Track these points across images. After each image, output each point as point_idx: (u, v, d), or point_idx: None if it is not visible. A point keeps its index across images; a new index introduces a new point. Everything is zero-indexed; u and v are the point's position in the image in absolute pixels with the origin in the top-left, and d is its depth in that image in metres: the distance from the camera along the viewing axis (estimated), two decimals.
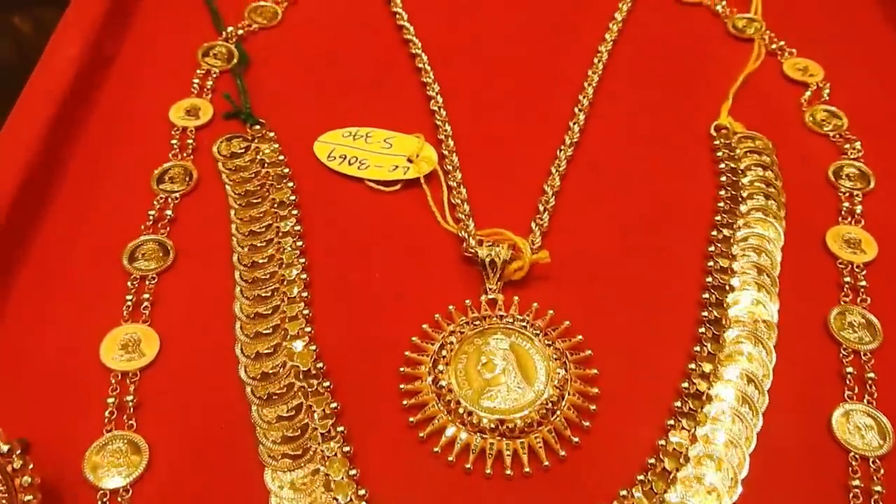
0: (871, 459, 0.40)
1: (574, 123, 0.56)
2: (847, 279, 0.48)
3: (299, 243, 0.48)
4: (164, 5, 0.64)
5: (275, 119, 0.56)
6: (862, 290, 0.47)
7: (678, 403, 0.42)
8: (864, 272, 0.48)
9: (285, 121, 0.56)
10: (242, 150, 0.54)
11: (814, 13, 0.66)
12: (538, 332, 0.44)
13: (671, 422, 0.41)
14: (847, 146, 0.55)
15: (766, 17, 0.65)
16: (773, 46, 0.63)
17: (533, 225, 0.50)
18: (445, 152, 0.54)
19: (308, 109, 0.57)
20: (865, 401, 0.42)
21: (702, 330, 0.45)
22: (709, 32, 0.65)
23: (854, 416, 0.42)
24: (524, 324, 0.44)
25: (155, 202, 0.50)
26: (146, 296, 0.46)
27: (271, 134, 0.55)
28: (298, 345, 0.43)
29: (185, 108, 0.56)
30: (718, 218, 0.51)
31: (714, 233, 0.50)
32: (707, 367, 0.43)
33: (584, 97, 0.58)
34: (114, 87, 0.58)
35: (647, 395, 0.43)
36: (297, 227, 0.49)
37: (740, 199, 0.52)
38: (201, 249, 0.49)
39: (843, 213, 0.52)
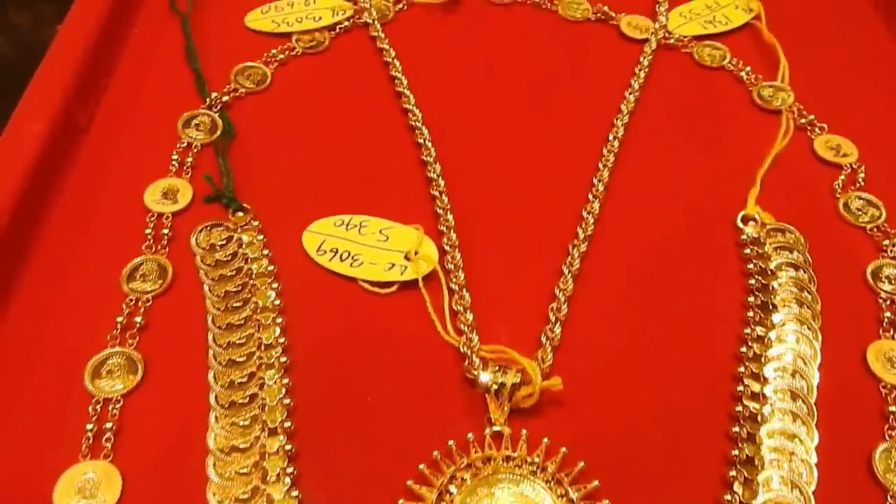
0: None
1: (588, 213, 0.51)
2: (893, 408, 0.43)
3: (283, 359, 0.43)
4: (142, 69, 0.59)
5: (260, 201, 0.51)
6: None
7: None
8: None
9: (272, 204, 0.51)
10: (224, 242, 0.49)
11: (846, 83, 0.61)
12: (549, 479, 0.39)
13: None
14: (886, 242, 0.51)
15: (795, 85, 0.61)
16: (803, 121, 0.58)
17: (543, 339, 0.45)
18: (447, 247, 0.49)
19: (297, 189, 0.53)
20: None
21: (732, 473, 0.40)
22: (732, 102, 0.60)
23: None
24: (534, 468, 0.39)
25: (124, 305, 0.45)
26: (108, 425, 0.41)
27: (255, 223, 0.50)
28: (277, 492, 0.39)
29: (162, 189, 0.51)
30: (748, 331, 0.46)
31: (744, 349, 0.45)
32: None
33: (598, 180, 0.53)
34: (84, 164, 0.53)
35: None
36: (282, 339, 0.44)
37: (771, 306, 0.47)
38: (173, 363, 0.44)
39: (884, 323, 0.47)
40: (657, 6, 0.67)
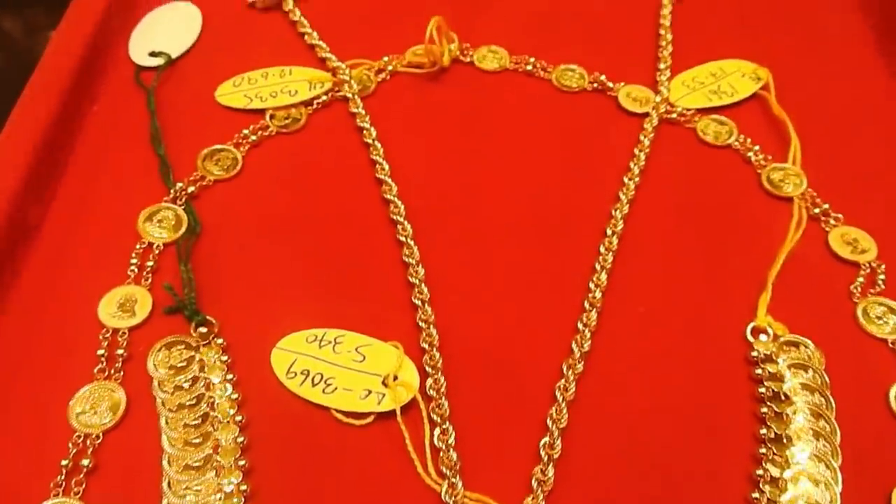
0: None
1: (584, 326, 0.47)
2: None
3: None
4: (102, 153, 0.55)
5: (227, 311, 0.47)
6: None
7: None
8: None
9: (240, 313, 0.47)
10: (184, 363, 0.44)
11: (864, 166, 0.57)
12: None
13: None
14: None
15: (807, 167, 0.56)
16: (816, 210, 0.54)
17: (534, 483, 0.41)
18: (429, 368, 0.45)
19: (267, 295, 0.48)
20: None
21: None
22: (740, 185, 0.56)
23: None
24: None
25: (70, 444, 0.41)
26: None
27: (219, 340, 0.45)
28: None
29: (118, 301, 0.47)
30: (760, 472, 0.42)
31: (756, 495, 0.41)
32: None
33: (595, 286, 0.49)
34: (33, 270, 0.48)
35: None
36: (244, 487, 0.40)
37: (786, 439, 0.43)
38: None
39: None
40: (658, 74, 0.62)
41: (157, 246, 0.49)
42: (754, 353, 0.46)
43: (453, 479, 0.40)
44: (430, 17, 0.60)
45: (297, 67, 0.60)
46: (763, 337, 0.47)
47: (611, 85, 0.62)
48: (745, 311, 0.48)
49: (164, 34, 0.62)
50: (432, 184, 0.54)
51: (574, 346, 0.46)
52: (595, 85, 0.62)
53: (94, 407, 0.42)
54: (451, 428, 0.42)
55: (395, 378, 0.44)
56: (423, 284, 0.48)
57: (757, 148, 0.57)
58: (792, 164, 0.56)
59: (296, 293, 0.48)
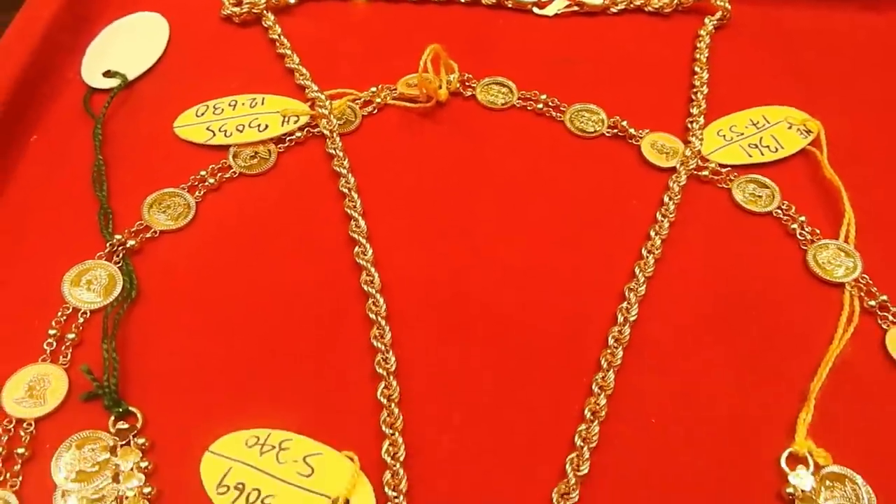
0: None
1: (582, 440, 0.39)
2: None
3: None
4: (34, 199, 0.47)
5: (156, 400, 0.40)
6: None
7: None
8: None
9: (171, 404, 0.40)
10: (95, 468, 0.37)
11: None
12: None
13: None
14: None
15: (862, 248, 0.47)
16: (872, 303, 0.45)
17: None
18: (390, 490, 0.37)
19: (206, 381, 0.41)
20: None
21: None
22: (781, 264, 0.47)
23: None
24: None
25: None
26: None
27: (141, 441, 0.38)
28: None
29: (28, 383, 0.39)
30: None
31: None
32: None
33: (600, 388, 0.40)
34: None
35: None
36: None
37: None
38: None
39: None
40: (689, 121, 0.54)
41: (84, 313, 0.42)
42: (789, 491, 0.38)
43: None
44: (430, 45, 0.51)
45: (270, 96, 0.52)
46: (801, 470, 0.38)
47: (633, 132, 0.53)
48: (779, 431, 0.40)
49: (124, 50, 0.54)
50: (416, 248, 0.46)
51: (568, 467, 0.38)
52: (615, 130, 0.53)
53: None
54: None
55: (346, 503, 0.36)
56: (392, 378, 0.40)
57: (803, 219, 0.49)
58: (844, 241, 0.48)
59: (241, 380, 0.41)
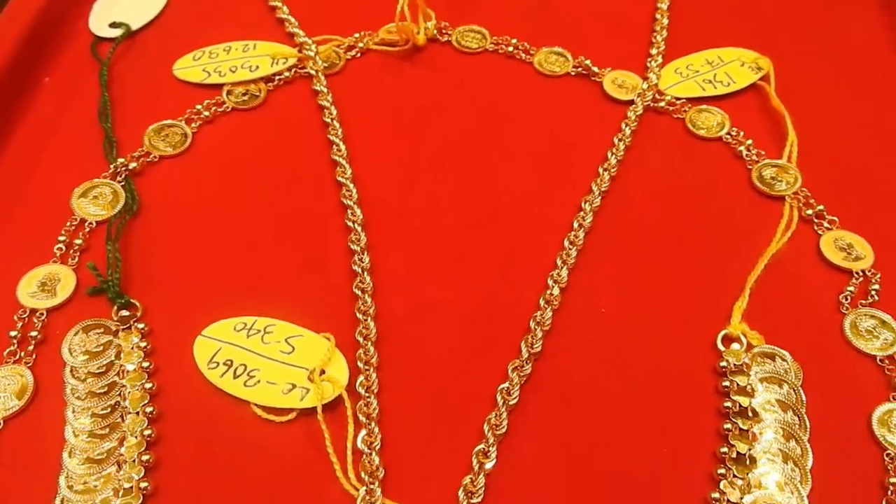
0: None
1: (536, 324, 0.43)
2: None
3: None
4: (48, 127, 0.52)
5: (155, 295, 0.44)
6: None
7: None
8: None
9: (168, 298, 0.44)
10: (100, 348, 0.41)
11: (867, 167, 0.52)
12: None
13: None
14: None
15: (803, 165, 0.51)
16: (809, 212, 0.49)
17: (461, 495, 0.37)
18: (361, 364, 0.41)
19: (200, 279, 0.45)
20: None
21: None
22: (728, 182, 0.51)
23: None
24: None
25: None
26: None
27: (141, 325, 0.42)
28: None
29: (40, 280, 0.44)
30: (716, 495, 0.37)
31: None
32: None
33: (555, 284, 0.45)
34: None
35: None
36: (145, 485, 0.37)
37: (749, 460, 0.38)
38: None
39: (889, 492, 0.38)
40: (649, 60, 0.58)
41: (90, 223, 0.47)
42: (723, 364, 0.42)
43: (372, 485, 0.37)
44: None
45: (261, 42, 0.57)
46: (735, 346, 0.42)
47: (596, 70, 0.57)
48: (719, 317, 0.44)
49: (129, 3, 0.59)
50: (391, 169, 0.51)
51: (523, 346, 0.42)
52: (579, 70, 0.58)
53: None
54: (377, 430, 0.39)
55: (322, 372, 0.40)
56: (366, 273, 0.45)
57: (750, 142, 0.53)
58: (787, 161, 0.52)
59: (230, 279, 0.45)
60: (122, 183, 0.48)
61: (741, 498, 0.37)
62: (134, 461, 0.37)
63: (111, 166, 0.49)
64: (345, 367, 0.41)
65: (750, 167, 0.52)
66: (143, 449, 0.38)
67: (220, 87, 0.55)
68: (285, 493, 0.37)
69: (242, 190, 0.49)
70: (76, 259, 0.45)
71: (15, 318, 0.42)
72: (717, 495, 0.37)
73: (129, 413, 0.39)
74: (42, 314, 0.43)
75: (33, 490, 0.37)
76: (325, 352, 0.41)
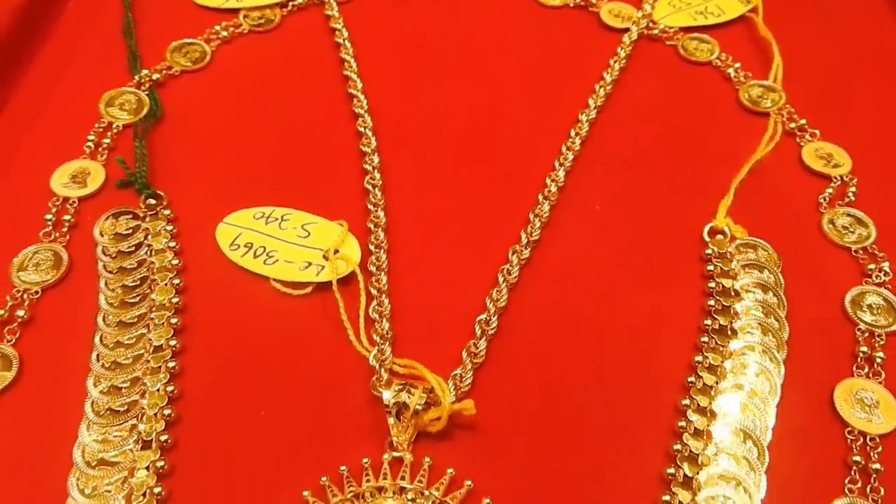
0: None
1: (535, 216, 0.46)
2: (857, 458, 0.37)
3: (171, 364, 0.39)
4: (74, 43, 0.55)
5: (179, 189, 0.47)
6: (874, 474, 0.37)
7: None
8: (879, 449, 0.37)
9: (190, 192, 0.47)
10: (129, 231, 0.44)
11: (846, 86, 0.55)
12: None
13: None
14: (872, 266, 0.45)
15: (788, 87, 0.54)
16: (792, 125, 0.52)
17: (464, 354, 0.40)
18: (372, 247, 0.44)
19: (221, 177, 0.48)
20: None
21: None
22: (717, 101, 0.55)
23: None
24: (429, 502, 0.34)
25: (8, 298, 0.41)
26: None
27: (167, 212, 0.45)
28: None
29: (72, 172, 0.47)
30: (700, 358, 0.40)
31: (691, 379, 0.40)
32: None
33: (552, 182, 0.48)
34: None
35: None
36: (173, 342, 0.40)
37: (730, 331, 0.41)
38: (52, 364, 0.39)
39: (859, 359, 0.41)
40: None
41: (116, 126, 0.50)
42: (708, 251, 0.45)
43: (383, 346, 0.40)
44: None
45: None
46: (719, 237, 0.46)
47: (594, 1, 0.60)
48: (706, 214, 0.47)
49: None
50: (399, 84, 0.54)
51: (523, 234, 0.45)
52: (578, 1, 0.61)
53: (36, 265, 0.43)
54: (387, 301, 0.42)
55: (336, 252, 0.43)
56: (376, 171, 0.48)
57: (738, 65, 0.56)
58: (773, 81, 0.55)
59: (249, 177, 0.48)
60: (147, 92, 0.51)
61: (721, 362, 0.40)
62: (164, 324, 0.40)
63: (135, 77, 0.52)
64: (357, 248, 0.44)
65: (738, 88, 0.55)
66: (170, 314, 0.41)
67: (237, 11, 0.58)
68: (303, 358, 0.40)
69: (260, 100, 0.52)
70: (104, 157, 0.48)
71: (49, 204, 0.45)
72: (699, 358, 0.40)
73: (158, 285, 0.42)
74: (74, 202, 0.46)
75: (69, 348, 0.40)
76: (339, 235, 0.44)
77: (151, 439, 0.36)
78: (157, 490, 0.35)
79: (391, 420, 0.37)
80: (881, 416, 0.39)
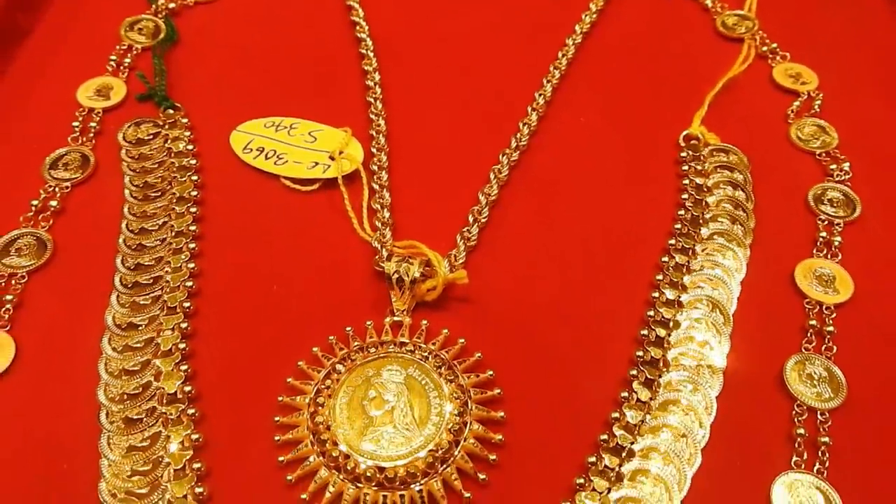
0: None
1: (524, 125, 0.50)
2: (813, 322, 0.41)
3: (192, 245, 0.43)
4: None
5: (195, 104, 0.51)
6: (829, 336, 0.40)
7: (592, 459, 0.36)
8: (833, 315, 0.41)
9: (206, 106, 0.51)
10: (150, 137, 0.48)
11: (814, 13, 0.59)
12: (441, 364, 0.38)
13: (581, 480, 0.35)
14: (834, 167, 0.49)
15: (761, 15, 0.58)
16: (765, 48, 0.56)
17: (458, 239, 0.44)
18: (374, 150, 0.48)
19: (233, 95, 0.52)
20: (815, 470, 0.36)
21: (633, 372, 0.39)
22: (694, 30, 0.58)
23: (800, 489, 0.35)
24: (426, 354, 0.38)
25: (42, 191, 0.45)
26: (9, 297, 0.41)
27: (185, 120, 0.49)
28: (167, 365, 0.38)
29: (96, 87, 0.51)
30: (673, 241, 0.44)
31: (665, 259, 0.43)
32: (634, 418, 0.37)
33: (541, 96, 0.52)
34: (23, 62, 0.53)
35: (560, 446, 0.37)
36: (193, 227, 0.44)
37: (702, 220, 0.45)
38: (84, 247, 0.43)
39: (818, 243, 0.45)
40: None
41: (136, 48, 0.54)
42: (683, 154, 0.49)
43: (384, 231, 0.44)
44: None
45: None
46: (694, 143, 0.50)
47: None
48: (681, 125, 0.51)
49: None
50: (398, 20, 0.57)
51: (513, 140, 0.49)
52: None
53: (66, 165, 0.47)
54: (387, 195, 0.46)
55: (341, 153, 0.47)
56: (377, 87, 0.52)
57: None
58: (748, 10, 0.59)
59: (260, 94, 0.52)
60: (163, 18, 0.55)
61: (693, 245, 0.44)
62: (183, 213, 0.44)
63: (152, 5, 0.56)
64: (360, 150, 0.48)
65: (714, 17, 0.59)
66: (189, 204, 0.45)
67: None
68: (311, 244, 0.44)
69: (268, 27, 0.56)
70: (125, 75, 0.52)
71: (77, 113, 0.49)
72: (672, 241, 0.44)
73: (179, 182, 0.46)
74: (99, 112, 0.50)
75: (98, 236, 0.44)
76: (344, 139, 0.48)
77: (175, 306, 0.40)
78: (181, 346, 0.39)
79: (392, 292, 0.41)
80: (837, 290, 0.42)
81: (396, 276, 0.40)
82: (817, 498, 0.35)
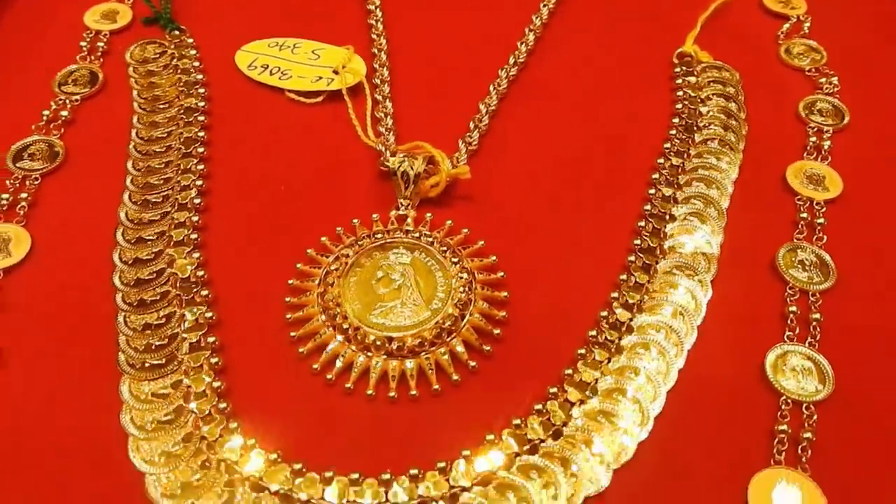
0: (804, 405, 0.35)
1: (522, 43, 0.51)
2: (804, 215, 0.43)
3: (200, 150, 0.44)
4: None
5: (199, 26, 0.52)
6: (819, 227, 0.42)
7: (594, 332, 0.37)
8: (823, 209, 0.43)
9: (210, 29, 0.52)
10: (157, 56, 0.50)
11: None
12: (446, 248, 0.39)
13: (582, 351, 0.36)
14: (823, 80, 0.50)
15: None
16: None
17: (460, 143, 0.45)
18: (377, 66, 0.49)
19: (237, 17, 0.53)
20: (807, 343, 0.37)
21: (631, 258, 0.40)
22: None
23: (791, 359, 0.37)
24: (431, 240, 0.39)
25: (53, 103, 0.46)
26: (24, 195, 0.42)
27: (190, 40, 0.51)
28: (179, 254, 0.39)
29: (102, 11, 0.52)
30: (668, 145, 0.46)
31: (661, 160, 0.45)
32: (632, 297, 0.38)
33: (537, 17, 0.53)
34: None
35: (561, 322, 0.38)
36: (201, 133, 0.45)
37: (696, 128, 0.47)
38: (94, 154, 0.45)
39: (809, 148, 0.46)
40: None
41: None
42: (677, 70, 0.50)
43: (388, 137, 0.45)
44: None
45: None
46: (687, 60, 0.51)
47: None
48: (675, 45, 0.52)
49: None
50: None
51: (511, 57, 0.50)
52: None
53: (75, 81, 0.48)
54: (390, 104, 0.47)
55: (344, 67, 0.49)
56: (378, 10, 0.53)
57: None
58: None
59: (262, 17, 0.53)
60: None
61: (688, 149, 0.45)
62: (191, 122, 0.45)
63: None
64: (363, 64, 0.49)
65: None
66: (197, 114, 0.46)
67: None
68: (317, 150, 0.45)
69: None
70: (131, 1, 0.53)
71: (84, 34, 0.50)
72: (668, 145, 0.46)
73: (186, 95, 0.47)
74: (106, 34, 0.51)
75: (107, 148, 0.45)
76: (347, 54, 0.49)
77: (187, 202, 0.41)
78: (193, 237, 0.40)
79: (396, 188, 0.42)
80: (827, 188, 0.44)
81: (401, 170, 0.42)
82: (808, 366, 0.36)
